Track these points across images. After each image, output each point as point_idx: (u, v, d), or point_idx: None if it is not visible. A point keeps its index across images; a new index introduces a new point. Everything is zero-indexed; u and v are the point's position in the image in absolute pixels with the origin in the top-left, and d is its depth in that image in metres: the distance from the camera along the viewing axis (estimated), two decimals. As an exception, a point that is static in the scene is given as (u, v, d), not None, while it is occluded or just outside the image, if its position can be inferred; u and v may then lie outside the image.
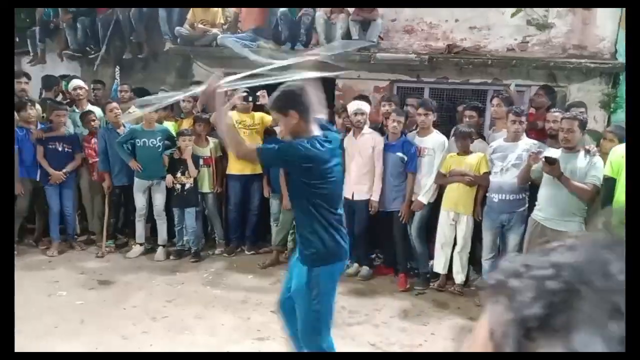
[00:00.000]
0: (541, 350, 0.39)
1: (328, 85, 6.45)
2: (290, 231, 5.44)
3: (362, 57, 6.18)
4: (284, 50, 6.35)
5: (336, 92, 6.35)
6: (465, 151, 4.68)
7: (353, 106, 5.02)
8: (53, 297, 4.44)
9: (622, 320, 0.39)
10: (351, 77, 6.39)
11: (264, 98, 5.38)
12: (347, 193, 5.00)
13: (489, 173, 4.53)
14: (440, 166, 4.78)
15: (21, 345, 3.53)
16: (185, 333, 3.88)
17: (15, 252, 5.30)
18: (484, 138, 5.09)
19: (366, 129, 4.93)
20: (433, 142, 4.85)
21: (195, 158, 5.37)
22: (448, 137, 4.91)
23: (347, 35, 6.22)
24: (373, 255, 5.37)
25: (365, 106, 5.02)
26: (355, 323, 4.19)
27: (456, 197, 4.67)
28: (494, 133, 5.03)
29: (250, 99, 5.39)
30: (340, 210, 2.74)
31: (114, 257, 5.44)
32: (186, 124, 5.74)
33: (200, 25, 6.69)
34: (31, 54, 8.15)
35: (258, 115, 5.49)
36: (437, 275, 4.84)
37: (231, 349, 3.66)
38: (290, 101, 2.64)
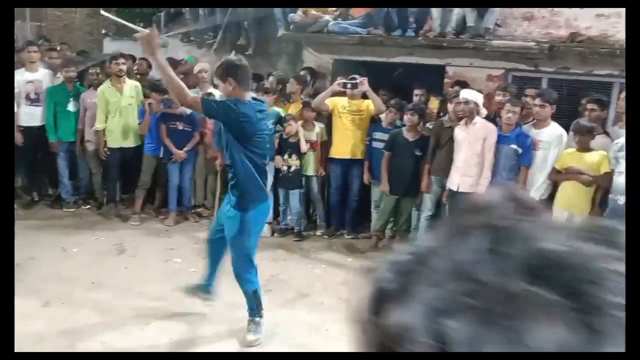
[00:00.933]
0: (390, 319, 0.38)
1: (437, 72, 6.36)
2: (391, 218, 5.46)
3: (476, 44, 5.97)
4: (394, 37, 6.33)
5: (445, 80, 6.20)
6: (585, 148, 4.38)
7: (462, 94, 4.88)
8: (169, 263, 4.81)
9: (466, 281, 0.36)
10: (462, 65, 6.21)
11: (363, 85, 5.40)
12: (451, 184, 4.90)
13: (611, 173, 4.21)
14: (555, 162, 4.52)
15: (138, 306, 3.89)
16: (287, 307, 4.05)
17: (138, 223, 5.82)
18: (607, 134, 4.73)
19: (478, 119, 4.76)
20: (549, 135, 4.59)
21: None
22: (567, 131, 4.63)
23: (462, 22, 6.04)
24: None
25: (472, 95, 4.84)
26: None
27: (572, 196, 4.40)
28: (619, 129, 4.66)
29: (349, 85, 5.42)
30: (265, 163, 3.46)
31: (223, 231, 5.78)
32: (293, 108, 5.91)
33: (312, 12, 6.82)
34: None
35: (365, 102, 5.51)
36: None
37: (330, 327, 3.76)
38: (230, 70, 3.23)
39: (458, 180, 4.83)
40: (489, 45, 5.90)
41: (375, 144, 5.52)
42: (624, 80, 5.43)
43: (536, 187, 4.57)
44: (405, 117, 5.11)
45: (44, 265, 4.48)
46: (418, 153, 5.13)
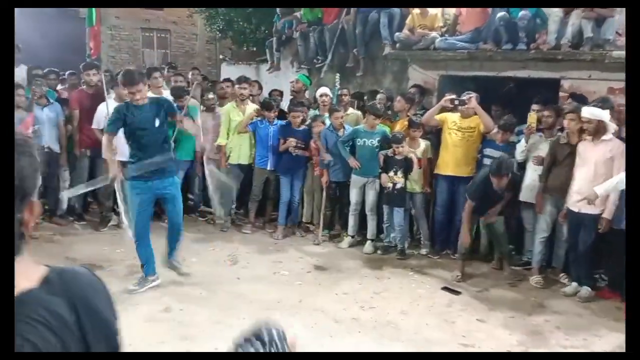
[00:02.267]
0: None
1: (550, 86, 6.04)
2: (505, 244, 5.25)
3: (594, 55, 5.61)
4: (505, 51, 6.13)
5: (560, 93, 5.87)
6: None
7: (586, 112, 4.58)
8: (277, 275, 5.02)
9: None
10: (580, 78, 5.85)
11: (471, 102, 5.29)
12: (572, 204, 4.62)
13: None
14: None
15: (249, 314, 4.09)
16: (390, 326, 4.05)
17: (250, 232, 6.16)
18: None
19: (607, 135, 4.46)
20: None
21: (406, 159, 5.49)
22: None
23: (578, 33, 5.72)
24: (597, 276, 4.86)
25: (594, 113, 4.52)
26: (569, 346, 3.87)
27: None
28: None
29: (457, 102, 5.33)
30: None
31: (328, 246, 5.92)
32: (399, 125, 5.93)
33: (419, 30, 6.83)
34: (269, 62, 9.27)
35: (477, 119, 5.38)
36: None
37: (434, 349, 3.70)
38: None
39: (580, 200, 4.53)
40: (609, 56, 5.52)
41: (487, 161, 5.37)
42: None
43: None
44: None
45: (166, 273, 4.87)
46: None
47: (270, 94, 7.54)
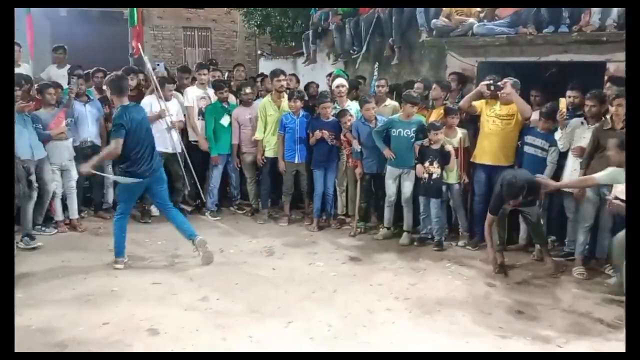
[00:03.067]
0: None
1: (595, 69, 5.78)
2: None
3: (643, 35, 5.32)
4: (546, 34, 5.91)
5: (606, 77, 5.61)
6: None
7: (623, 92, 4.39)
8: (312, 266, 5.03)
9: None
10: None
11: (505, 87, 5.12)
12: (618, 192, 4.41)
13: None
14: None
15: (283, 304, 4.13)
16: (425, 317, 3.99)
17: (286, 224, 6.24)
18: None
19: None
20: None
21: (443, 149, 5.39)
22: None
23: (624, 13, 5.44)
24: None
25: None
26: (613, 339, 3.72)
27: None
28: None
29: (493, 87, 5.17)
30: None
31: (363, 237, 5.89)
32: (435, 114, 5.82)
33: (456, 16, 6.67)
34: (305, 54, 9.30)
35: (515, 106, 5.21)
36: None
37: (470, 340, 3.63)
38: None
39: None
40: (659, 35, 5.22)
41: (527, 149, 5.22)
42: None
43: None
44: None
45: (205, 264, 4.97)
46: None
47: (306, 87, 7.56)
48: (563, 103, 4.96)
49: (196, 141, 6.54)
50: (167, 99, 6.28)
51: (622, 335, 3.74)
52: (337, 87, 6.27)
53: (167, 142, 6.22)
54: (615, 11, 5.48)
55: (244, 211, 6.75)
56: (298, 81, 7.59)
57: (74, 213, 5.98)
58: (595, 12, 5.61)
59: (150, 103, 6.16)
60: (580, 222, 4.88)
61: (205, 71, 6.77)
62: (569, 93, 5.17)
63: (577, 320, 3.98)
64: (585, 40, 5.78)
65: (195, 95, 6.54)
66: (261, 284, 4.55)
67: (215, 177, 6.54)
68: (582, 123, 4.95)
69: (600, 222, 4.85)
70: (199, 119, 6.53)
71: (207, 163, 6.61)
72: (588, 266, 4.89)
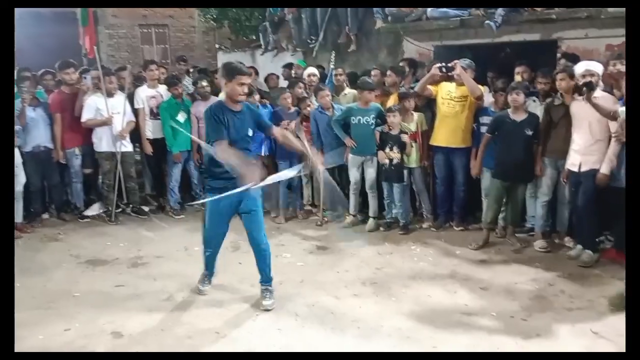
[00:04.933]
0: None
1: (548, 48, 5.90)
2: (502, 208, 5.17)
3: (590, 12, 5.46)
4: (499, 14, 5.99)
5: (558, 54, 5.73)
6: None
7: (581, 67, 4.48)
8: (279, 258, 4.99)
9: None
10: (577, 37, 5.70)
11: (456, 68, 5.16)
12: (571, 165, 4.55)
13: None
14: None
15: (250, 298, 4.09)
16: (392, 300, 4.02)
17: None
18: None
19: (598, 92, 4.34)
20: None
21: (402, 134, 5.43)
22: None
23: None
24: (602, 238, 4.77)
25: (595, 66, 4.44)
26: (575, 308, 3.81)
27: None
28: None
29: (444, 69, 5.21)
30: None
31: (330, 226, 5.89)
32: (392, 100, 5.84)
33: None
34: (263, 46, 9.22)
35: (463, 87, 5.27)
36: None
37: (435, 319, 3.66)
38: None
39: (579, 159, 4.45)
40: (606, 12, 5.36)
41: (483, 129, 5.28)
42: None
43: None
44: (510, 98, 4.82)
45: (169, 263, 4.90)
46: (529, 132, 4.80)
47: (266, 79, 7.49)
48: (517, 78, 5.05)
49: (153, 139, 6.39)
50: (110, 95, 6.05)
51: (584, 303, 3.86)
52: (309, 76, 6.24)
53: (118, 142, 6.06)
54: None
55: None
56: (257, 73, 7.51)
57: (19, 217, 5.78)
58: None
59: (95, 102, 5.97)
60: (539, 197, 4.99)
61: (154, 67, 6.59)
62: (517, 69, 5.26)
63: (539, 293, 4.07)
64: (536, 19, 5.89)
65: (145, 96, 6.37)
66: (227, 279, 4.50)
67: (175, 174, 6.42)
68: (533, 101, 5.04)
69: (558, 196, 4.96)
70: (151, 119, 6.38)
71: (167, 161, 6.48)
72: (549, 240, 5.01)
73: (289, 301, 4.04)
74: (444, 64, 5.28)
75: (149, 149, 6.34)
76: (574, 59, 5.04)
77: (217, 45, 12.32)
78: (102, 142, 6.06)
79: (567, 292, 4.06)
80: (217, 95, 6.51)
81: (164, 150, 6.40)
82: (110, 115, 5.96)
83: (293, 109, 6.02)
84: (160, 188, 6.72)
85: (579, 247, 4.66)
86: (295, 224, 6.06)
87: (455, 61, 5.22)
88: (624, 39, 5.53)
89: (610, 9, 5.34)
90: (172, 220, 6.31)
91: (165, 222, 6.19)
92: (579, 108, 4.46)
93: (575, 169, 4.50)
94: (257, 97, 6.02)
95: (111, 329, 3.66)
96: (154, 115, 6.38)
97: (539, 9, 5.78)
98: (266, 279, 4.06)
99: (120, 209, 6.35)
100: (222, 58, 10.62)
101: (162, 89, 6.49)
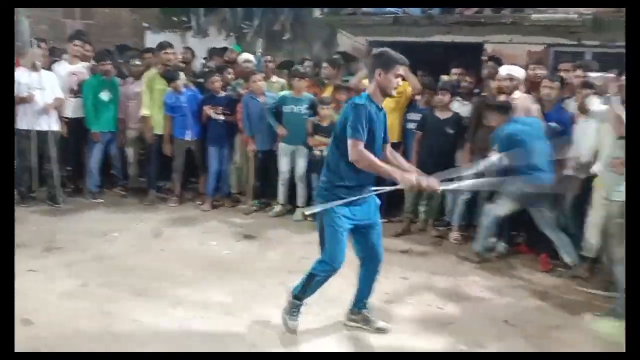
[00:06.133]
0: None
1: (474, 50, 6.16)
2: (423, 201, 5.35)
3: (516, 18, 5.75)
4: (429, 16, 6.17)
5: (483, 57, 5.99)
6: None
7: (504, 71, 4.71)
8: (204, 246, 4.90)
9: None
10: (501, 42, 5.99)
11: None
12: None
13: None
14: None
15: (172, 286, 3.98)
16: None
17: (176, 204, 6.01)
18: None
19: (518, 93, 4.58)
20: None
21: (333, 125, 5.47)
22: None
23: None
24: (515, 232, 5.06)
25: (517, 71, 4.69)
26: (487, 298, 4.03)
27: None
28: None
29: None
30: None
31: (258, 215, 5.84)
32: (327, 92, 5.87)
33: (346, -6, 6.75)
34: (194, 28, 8.94)
35: (404, 84, 5.37)
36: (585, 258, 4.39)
37: (345, 303, 3.72)
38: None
39: None
40: (529, 19, 5.67)
41: (410, 126, 5.43)
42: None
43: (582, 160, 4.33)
44: (436, 97, 4.99)
45: (86, 249, 4.66)
46: (450, 131, 4.99)
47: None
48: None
49: (73, 118, 6.04)
50: (36, 69, 5.66)
51: (495, 293, 4.08)
52: (244, 62, 6.13)
53: (41, 119, 5.66)
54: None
55: (130, 192, 6.37)
56: (194, 55, 7.30)
57: None
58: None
59: (17, 77, 5.55)
60: (459, 194, 5.20)
61: (78, 42, 6.23)
62: (453, 70, 5.44)
63: (455, 283, 4.26)
64: (465, 22, 6.12)
65: (65, 72, 6.00)
66: (147, 267, 4.35)
67: (95, 155, 6.08)
68: (457, 100, 5.23)
69: (479, 193, 5.19)
70: (70, 97, 6.01)
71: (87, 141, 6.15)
72: (467, 233, 5.24)
73: (214, 289, 3.97)
74: None
75: (64, 129, 5.96)
76: (498, 61, 5.29)
77: (145, 24, 11.80)
78: (22, 119, 5.62)
79: (480, 283, 4.27)
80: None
81: (84, 129, 6.06)
82: (29, 92, 5.53)
83: (222, 93, 5.90)
84: (79, 170, 6.36)
85: (494, 239, 4.92)
86: (222, 211, 5.95)
87: None
88: (544, 46, 5.91)
89: (533, 17, 5.64)
90: (90, 204, 6.01)
91: (83, 205, 5.89)
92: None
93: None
94: (180, 82, 5.83)
95: (20, 316, 3.43)
96: (74, 93, 6.03)
97: (469, 12, 6.00)
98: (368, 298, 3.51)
99: (33, 192, 5.94)
100: (150, 37, 10.20)
101: (83, 65, 6.14)
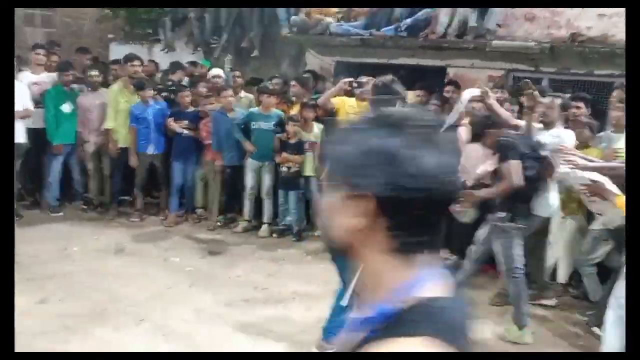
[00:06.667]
0: None
1: (437, 73, 6.35)
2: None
3: (477, 44, 5.97)
4: (395, 38, 6.33)
5: (446, 80, 6.18)
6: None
7: (467, 94, 4.85)
8: (167, 262, 4.83)
9: None
10: (463, 66, 6.20)
11: (368, 84, 5.31)
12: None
13: None
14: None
15: (134, 303, 3.91)
16: (280, 306, 4.05)
17: (138, 219, 5.90)
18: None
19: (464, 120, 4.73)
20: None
21: (301, 143, 5.53)
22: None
23: (463, 24, 6.05)
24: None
25: (464, 98, 4.82)
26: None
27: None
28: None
29: (355, 84, 5.35)
30: None
31: (223, 231, 5.79)
32: (295, 110, 5.93)
33: (315, 15, 6.86)
34: (163, 41, 8.89)
35: (364, 104, 5.48)
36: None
37: (309, 323, 3.74)
38: None
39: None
40: (490, 45, 5.90)
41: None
42: (623, 80, 5.40)
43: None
44: None
45: (45, 264, 4.53)
46: None
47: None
48: (411, 96, 5.35)
49: (33, 129, 5.87)
50: None
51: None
52: (214, 77, 6.12)
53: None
54: (455, 21, 6.04)
55: (90, 206, 6.22)
56: (157, 68, 7.24)
57: None
58: (442, 22, 6.13)
59: None
60: None
61: (41, 51, 6.11)
62: (417, 92, 5.59)
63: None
64: (429, 46, 6.32)
65: (27, 82, 5.84)
66: (109, 283, 4.26)
67: (54, 168, 5.93)
68: None
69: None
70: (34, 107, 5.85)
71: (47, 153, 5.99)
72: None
73: (177, 306, 3.92)
74: (353, 79, 5.37)
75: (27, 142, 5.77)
76: (457, 85, 5.47)
77: (110, 35, 11.65)
78: None
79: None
80: (107, 87, 6.17)
81: (44, 141, 5.91)
82: None
83: (191, 108, 5.88)
84: (37, 182, 6.18)
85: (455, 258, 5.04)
86: (186, 227, 5.88)
87: (368, 78, 5.33)
88: (504, 71, 6.15)
89: (494, 43, 5.87)
90: (50, 218, 5.84)
91: (43, 219, 5.72)
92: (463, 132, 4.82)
93: None
94: (150, 92, 5.80)
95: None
96: (36, 103, 5.88)
97: (433, 36, 6.19)
98: None
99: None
100: (115, 49, 10.08)
101: (46, 75, 6.01)
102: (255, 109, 5.76)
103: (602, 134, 4.27)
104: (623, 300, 3.06)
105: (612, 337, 3.28)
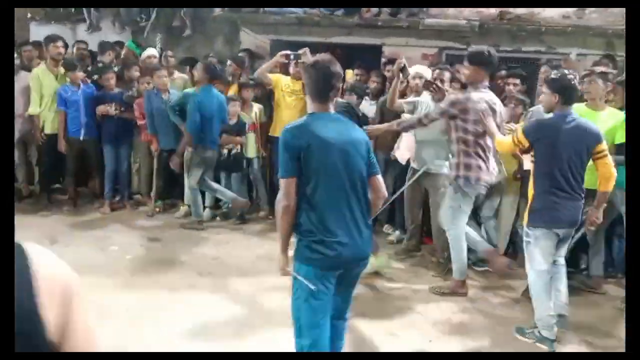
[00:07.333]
0: None
1: (373, 52, 6.42)
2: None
3: (411, 23, 6.07)
4: (332, 16, 6.32)
5: (382, 59, 6.26)
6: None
7: (412, 70, 4.92)
8: (105, 251, 4.65)
9: None
10: (398, 44, 6.30)
11: (305, 55, 5.20)
12: (402, 159, 4.95)
13: None
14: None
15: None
16: (227, 289, 4.01)
17: (70, 208, 5.63)
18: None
19: (424, 95, 4.83)
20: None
21: (242, 124, 5.45)
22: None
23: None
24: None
25: (425, 71, 4.92)
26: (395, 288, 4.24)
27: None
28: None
29: (292, 57, 5.24)
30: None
31: (163, 217, 5.63)
32: (232, 90, 5.81)
33: (248, -8, 6.71)
34: (87, 21, 8.41)
35: (299, 82, 5.44)
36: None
37: (268, 303, 3.75)
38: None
39: (408, 155, 4.88)
40: (423, 24, 6.01)
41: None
42: (550, 57, 5.68)
43: None
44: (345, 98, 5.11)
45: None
46: None
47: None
48: (350, 74, 5.38)
49: None
50: None
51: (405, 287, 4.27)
52: (148, 57, 5.87)
53: None
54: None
55: (18, 197, 5.86)
56: (88, 50, 6.85)
57: None
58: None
59: None
60: None
61: None
62: (356, 71, 5.62)
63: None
64: (364, 24, 6.36)
65: None
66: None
67: None
68: (365, 99, 5.42)
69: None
70: None
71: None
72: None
73: (119, 296, 3.79)
74: (290, 51, 5.27)
75: None
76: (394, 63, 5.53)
77: (28, 15, 10.89)
78: None
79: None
80: (29, 70, 5.77)
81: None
82: None
83: (116, 90, 5.62)
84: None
85: (397, 232, 5.18)
86: (123, 214, 5.67)
87: (305, 49, 5.25)
88: (437, 49, 6.30)
89: (427, 21, 5.99)
90: None
91: None
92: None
93: (404, 163, 4.92)
94: (80, 74, 5.50)
95: None
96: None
97: (367, 14, 6.22)
98: None
99: None
100: (36, 30, 9.45)
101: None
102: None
103: (532, 109, 4.46)
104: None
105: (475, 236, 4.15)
